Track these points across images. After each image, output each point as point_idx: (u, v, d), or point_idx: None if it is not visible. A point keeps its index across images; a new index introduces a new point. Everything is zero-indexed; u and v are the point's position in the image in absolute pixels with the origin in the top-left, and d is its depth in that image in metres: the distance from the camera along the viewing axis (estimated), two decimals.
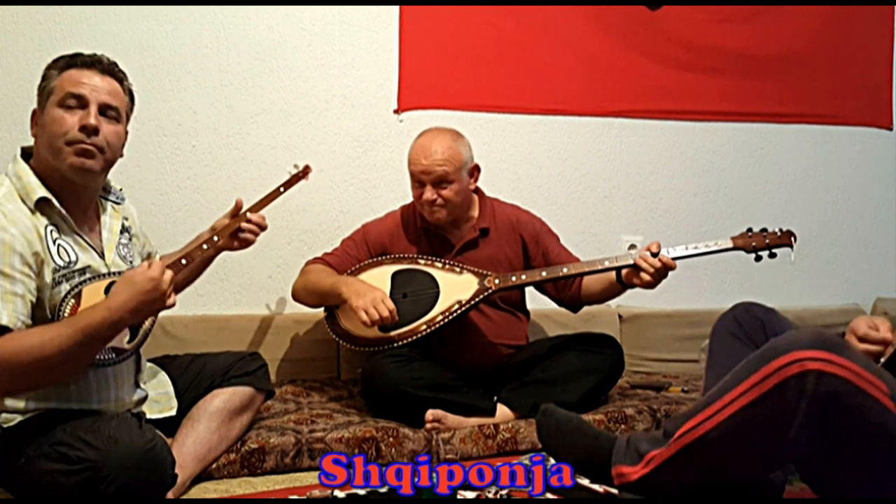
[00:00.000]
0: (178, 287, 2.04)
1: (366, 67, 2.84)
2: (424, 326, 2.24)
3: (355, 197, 2.84)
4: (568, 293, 2.45)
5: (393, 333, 2.25)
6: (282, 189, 2.25)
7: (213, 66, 2.69)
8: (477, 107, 2.95)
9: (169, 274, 1.64)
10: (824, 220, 3.40)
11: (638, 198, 3.19)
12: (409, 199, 2.49)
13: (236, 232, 2.09)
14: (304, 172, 2.34)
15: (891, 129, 3.44)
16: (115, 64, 1.76)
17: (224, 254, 2.55)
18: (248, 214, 2.11)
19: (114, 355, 1.67)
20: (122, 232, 1.85)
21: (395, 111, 2.87)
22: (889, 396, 1.31)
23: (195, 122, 2.68)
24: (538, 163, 3.06)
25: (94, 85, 1.68)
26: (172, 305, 1.67)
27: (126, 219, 1.89)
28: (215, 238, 2.04)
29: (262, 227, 2.14)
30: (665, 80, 3.15)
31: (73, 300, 1.62)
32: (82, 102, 1.67)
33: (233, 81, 2.71)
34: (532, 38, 2.99)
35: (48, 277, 1.61)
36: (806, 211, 3.35)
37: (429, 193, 2.32)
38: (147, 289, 1.60)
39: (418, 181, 2.35)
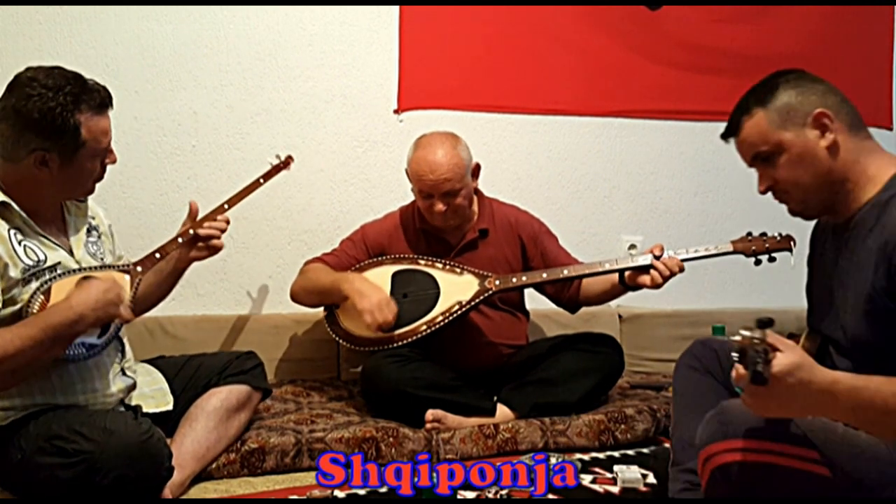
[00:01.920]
0: (153, 297, 2.04)
1: (366, 67, 2.83)
2: (425, 327, 2.24)
3: (355, 197, 2.84)
4: (566, 294, 2.46)
5: (393, 333, 2.25)
6: (261, 180, 2.23)
7: (213, 66, 2.69)
8: (477, 107, 2.95)
9: (127, 279, 1.75)
10: None
11: (638, 198, 3.19)
12: (409, 199, 2.49)
13: (196, 239, 1.99)
14: (284, 163, 2.33)
15: (891, 129, 3.43)
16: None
17: (224, 253, 2.55)
18: (207, 223, 2.01)
19: (84, 350, 1.67)
20: (88, 231, 1.86)
21: (395, 111, 2.86)
22: (817, 461, 1.27)
23: (195, 122, 2.68)
24: (538, 163, 3.06)
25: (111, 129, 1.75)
26: (129, 318, 1.70)
27: (93, 218, 1.90)
28: (191, 231, 1.98)
29: (223, 230, 2.03)
30: (665, 80, 3.15)
31: (42, 296, 1.63)
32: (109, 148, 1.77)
33: (233, 81, 2.71)
34: (532, 38, 2.99)
35: (18, 275, 1.62)
36: None
37: (440, 206, 2.31)
38: (106, 286, 1.65)
39: (426, 195, 2.33)
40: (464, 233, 2.45)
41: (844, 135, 1.44)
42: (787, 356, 1.15)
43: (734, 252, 2.17)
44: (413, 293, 2.31)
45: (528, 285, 2.34)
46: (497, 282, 2.29)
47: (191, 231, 1.98)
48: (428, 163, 2.29)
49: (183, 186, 2.67)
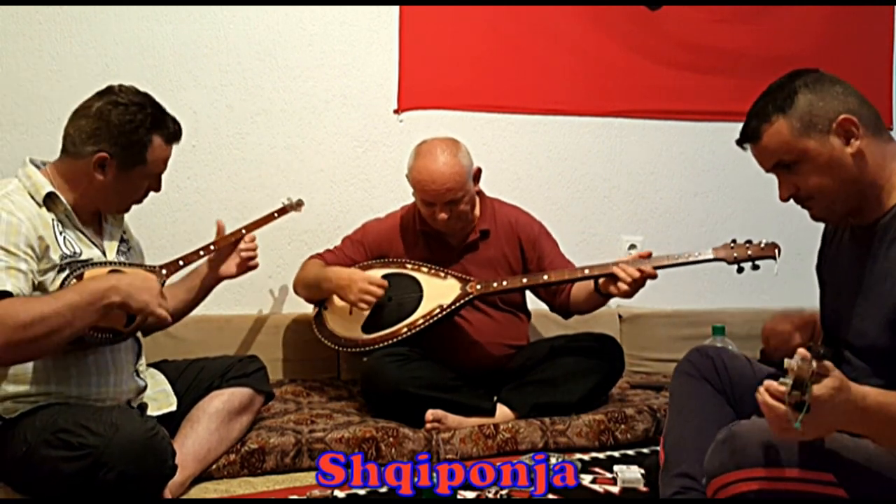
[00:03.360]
0: (178, 311, 2.12)
1: (366, 67, 2.83)
2: (405, 329, 2.26)
3: (355, 197, 2.84)
4: (558, 300, 2.45)
5: (374, 336, 2.28)
6: (276, 215, 2.37)
7: (213, 66, 2.69)
8: (477, 107, 2.95)
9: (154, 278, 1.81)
10: None
11: (638, 198, 3.19)
12: (410, 199, 2.49)
13: (233, 252, 2.17)
14: (297, 205, 2.49)
15: (891, 129, 3.43)
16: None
17: None
18: (244, 242, 2.20)
19: (110, 335, 1.72)
20: (121, 241, 1.92)
21: (395, 111, 2.86)
22: (833, 483, 1.27)
23: (195, 122, 2.68)
24: (538, 163, 3.06)
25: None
26: (164, 317, 1.74)
27: (124, 231, 1.97)
28: (212, 246, 2.11)
29: (255, 249, 2.23)
30: (665, 80, 3.15)
31: (74, 279, 1.69)
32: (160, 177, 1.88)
33: (233, 81, 2.71)
34: (532, 38, 2.99)
35: (56, 259, 1.69)
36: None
37: (442, 215, 2.30)
38: (149, 276, 1.77)
39: (428, 203, 2.32)
40: (465, 234, 2.45)
41: (869, 139, 1.41)
42: (829, 381, 1.15)
43: (715, 259, 2.10)
44: (397, 296, 2.32)
45: (508, 290, 2.33)
46: (478, 286, 2.30)
47: (212, 248, 2.11)
48: (429, 172, 2.27)
49: (183, 186, 2.67)
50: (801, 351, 1.14)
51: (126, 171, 1.77)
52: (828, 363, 1.17)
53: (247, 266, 2.20)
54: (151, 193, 1.90)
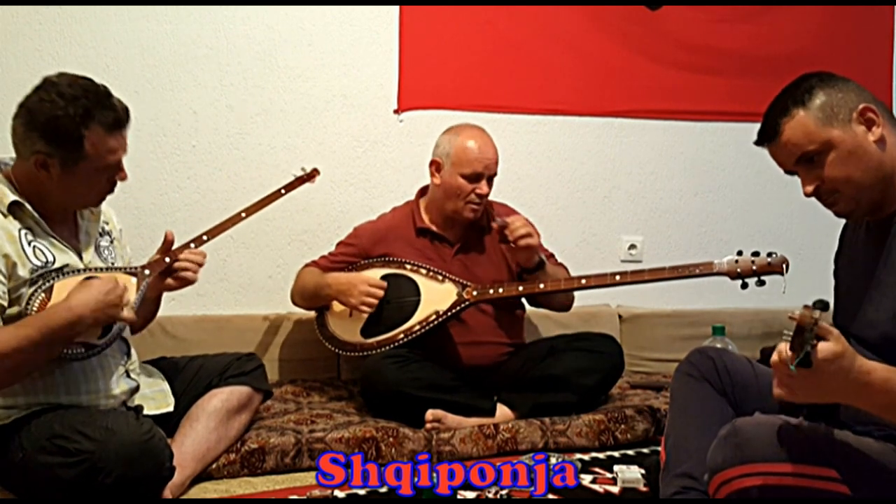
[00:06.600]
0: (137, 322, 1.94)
1: (366, 67, 2.83)
2: (402, 335, 2.28)
3: (355, 197, 2.84)
4: (553, 303, 2.51)
5: (372, 340, 2.30)
6: (283, 191, 2.28)
7: (213, 66, 2.69)
8: (477, 107, 2.94)
9: (133, 281, 1.74)
10: (825, 219, 3.39)
11: (638, 198, 3.19)
12: (408, 199, 2.49)
13: (169, 270, 1.89)
14: (310, 176, 2.38)
15: None
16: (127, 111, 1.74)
17: (224, 253, 2.58)
18: (184, 253, 1.92)
19: (83, 350, 1.67)
20: (101, 235, 1.87)
21: (395, 111, 2.86)
22: (836, 479, 1.27)
23: (195, 122, 2.68)
24: (538, 163, 3.06)
25: (122, 147, 1.74)
26: (130, 319, 1.70)
27: (106, 223, 1.91)
28: (205, 237, 1.99)
29: (200, 263, 1.93)
30: (665, 80, 3.15)
31: (42, 294, 1.64)
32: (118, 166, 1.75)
33: (233, 81, 2.71)
34: (532, 38, 2.99)
35: (26, 275, 1.64)
36: (807, 210, 3.33)
37: (486, 188, 2.36)
38: (108, 287, 1.65)
39: (476, 176, 2.35)
40: (464, 231, 2.45)
41: (889, 129, 1.41)
42: (833, 344, 1.15)
43: (717, 274, 2.04)
44: (395, 299, 2.33)
45: (504, 297, 2.33)
46: (474, 292, 2.30)
47: (166, 259, 1.88)
48: (480, 144, 2.35)
49: (183, 186, 2.68)
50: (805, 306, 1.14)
51: (70, 168, 1.66)
52: (835, 330, 1.16)
53: (182, 280, 1.90)
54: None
